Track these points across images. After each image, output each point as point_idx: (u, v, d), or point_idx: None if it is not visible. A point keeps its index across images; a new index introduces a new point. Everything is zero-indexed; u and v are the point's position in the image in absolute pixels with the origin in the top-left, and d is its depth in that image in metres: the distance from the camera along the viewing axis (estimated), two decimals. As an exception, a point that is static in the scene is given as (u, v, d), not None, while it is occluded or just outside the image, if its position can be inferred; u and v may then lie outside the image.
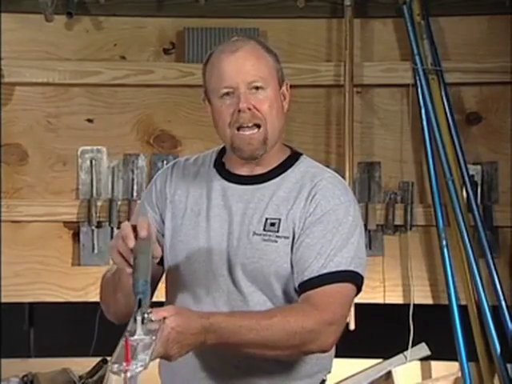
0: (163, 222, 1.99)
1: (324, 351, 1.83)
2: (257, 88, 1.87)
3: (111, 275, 1.92)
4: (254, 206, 1.91)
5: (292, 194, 1.90)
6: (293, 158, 1.98)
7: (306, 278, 1.83)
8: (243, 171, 1.95)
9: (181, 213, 1.96)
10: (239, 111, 1.86)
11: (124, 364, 1.53)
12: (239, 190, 1.93)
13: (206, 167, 2.00)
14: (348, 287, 1.85)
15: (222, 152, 2.01)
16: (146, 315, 1.61)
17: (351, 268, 1.85)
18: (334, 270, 1.83)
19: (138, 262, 1.69)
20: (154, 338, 1.58)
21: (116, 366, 1.54)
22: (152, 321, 1.61)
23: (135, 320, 1.60)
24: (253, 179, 1.94)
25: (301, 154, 2.00)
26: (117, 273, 1.85)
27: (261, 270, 1.87)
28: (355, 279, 1.86)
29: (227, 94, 1.88)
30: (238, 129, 1.88)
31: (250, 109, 1.86)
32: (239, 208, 1.91)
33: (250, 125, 1.87)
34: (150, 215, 2.00)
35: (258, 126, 1.88)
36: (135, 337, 1.59)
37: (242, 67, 1.87)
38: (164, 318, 1.62)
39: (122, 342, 1.56)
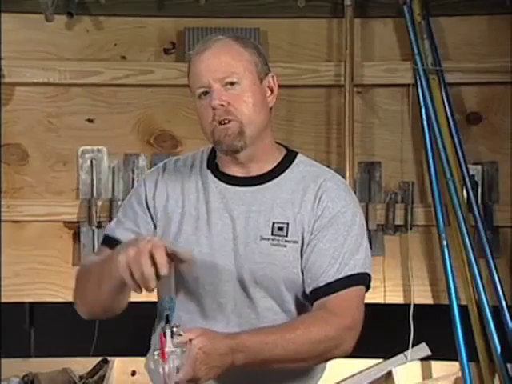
0: (155, 225, 1.96)
1: (345, 355, 1.84)
2: (232, 84, 1.85)
3: (98, 266, 1.83)
4: (257, 208, 1.88)
5: (297, 196, 1.89)
6: (289, 158, 1.96)
7: (321, 284, 1.83)
8: (239, 172, 1.93)
9: (178, 218, 1.93)
10: (213, 109, 1.84)
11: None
12: (239, 193, 1.91)
13: (198, 168, 1.97)
14: (361, 289, 1.87)
15: (213, 153, 1.98)
16: (174, 329, 1.63)
17: (363, 270, 1.86)
18: (348, 274, 1.84)
19: (162, 279, 1.68)
20: (184, 349, 1.60)
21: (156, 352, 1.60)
22: (180, 335, 1.63)
23: (164, 334, 1.62)
24: (251, 180, 1.92)
25: (296, 153, 1.98)
26: (107, 264, 1.77)
27: (270, 275, 1.86)
28: (366, 280, 1.88)
29: (204, 93, 1.87)
30: (219, 124, 1.86)
31: (222, 105, 1.84)
32: (241, 211, 1.89)
33: (225, 121, 1.85)
34: (141, 218, 1.97)
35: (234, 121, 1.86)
36: (166, 349, 1.60)
37: (212, 65, 1.86)
38: (190, 340, 1.62)
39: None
